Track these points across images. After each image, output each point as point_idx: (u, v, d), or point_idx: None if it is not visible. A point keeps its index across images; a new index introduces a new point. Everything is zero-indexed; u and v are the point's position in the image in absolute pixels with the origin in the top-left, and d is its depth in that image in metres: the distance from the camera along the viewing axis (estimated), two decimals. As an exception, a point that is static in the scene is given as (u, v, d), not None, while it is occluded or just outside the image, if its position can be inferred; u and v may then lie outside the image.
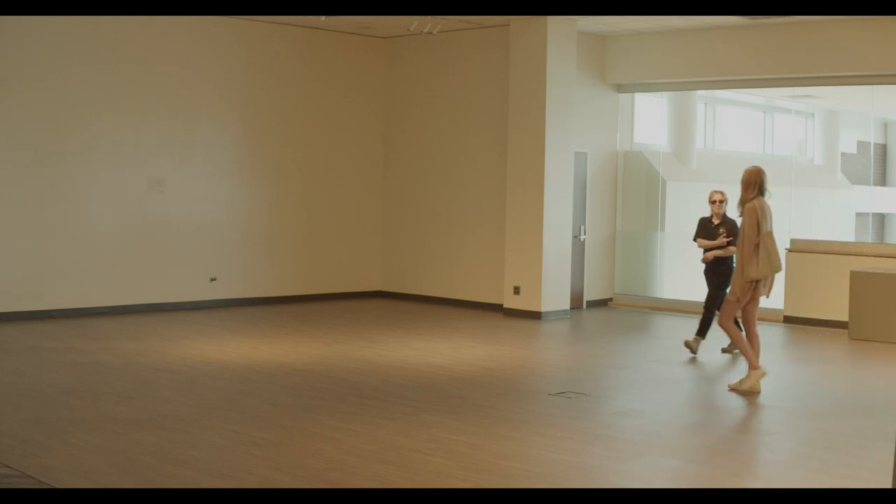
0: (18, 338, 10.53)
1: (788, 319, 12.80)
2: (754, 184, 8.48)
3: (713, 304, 10.43)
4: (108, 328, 11.33)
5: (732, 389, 8.49)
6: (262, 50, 13.65)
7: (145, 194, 12.69)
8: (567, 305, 13.24)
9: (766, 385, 9.17)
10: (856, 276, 11.66)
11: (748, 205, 8.47)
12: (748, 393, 8.36)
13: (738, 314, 8.86)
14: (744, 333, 8.84)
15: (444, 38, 13.81)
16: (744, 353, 8.71)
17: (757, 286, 8.50)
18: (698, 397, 8.45)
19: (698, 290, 14.13)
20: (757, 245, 8.38)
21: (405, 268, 14.80)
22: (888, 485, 5.77)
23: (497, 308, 13.55)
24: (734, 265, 8.85)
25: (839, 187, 16.32)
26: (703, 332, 10.45)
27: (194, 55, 13.03)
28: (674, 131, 15.36)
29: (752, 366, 8.53)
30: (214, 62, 13.22)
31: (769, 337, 11.95)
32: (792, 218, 13.76)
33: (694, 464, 6.30)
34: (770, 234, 8.46)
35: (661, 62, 13.86)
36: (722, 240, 10.43)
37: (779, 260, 8.50)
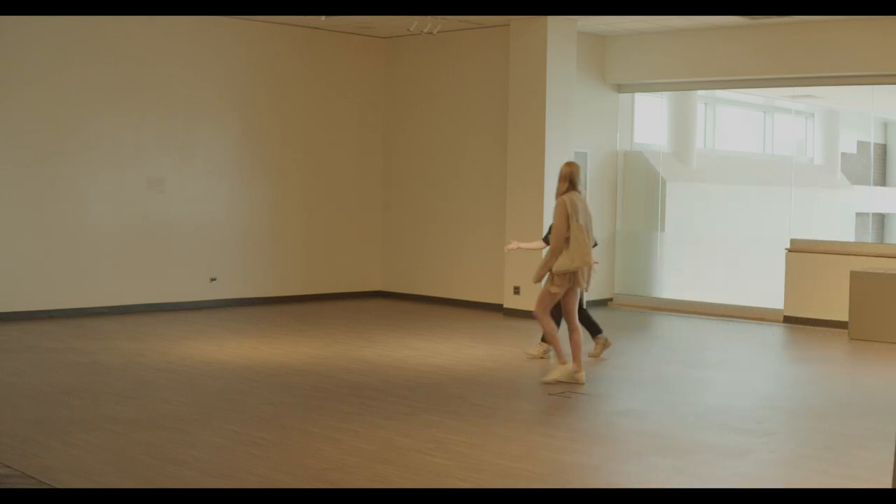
0: (18, 338, 10.53)
1: (788, 319, 12.80)
2: (566, 178, 8.64)
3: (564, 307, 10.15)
4: (108, 328, 11.33)
5: (547, 382, 8.66)
6: (262, 50, 13.65)
7: (145, 194, 12.69)
8: (567, 305, 13.22)
9: (766, 385, 9.18)
10: (856, 276, 11.66)
11: (559, 198, 8.65)
12: (558, 381, 8.59)
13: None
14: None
15: (444, 38, 13.81)
16: (554, 346, 8.90)
17: (574, 278, 8.67)
18: (698, 397, 8.45)
19: (698, 291, 14.21)
20: (567, 238, 8.54)
21: (405, 268, 14.80)
22: (888, 485, 5.77)
23: (497, 308, 13.55)
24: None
25: (839, 187, 16.32)
26: (595, 330, 10.18)
27: (194, 55, 13.03)
28: (674, 131, 15.36)
29: (561, 360, 8.74)
30: (214, 62, 13.22)
31: (769, 337, 11.97)
32: (792, 218, 13.77)
33: (693, 464, 6.30)
34: (580, 228, 8.57)
35: (661, 62, 13.85)
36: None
37: (589, 253, 8.65)
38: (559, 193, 8.69)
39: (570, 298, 8.88)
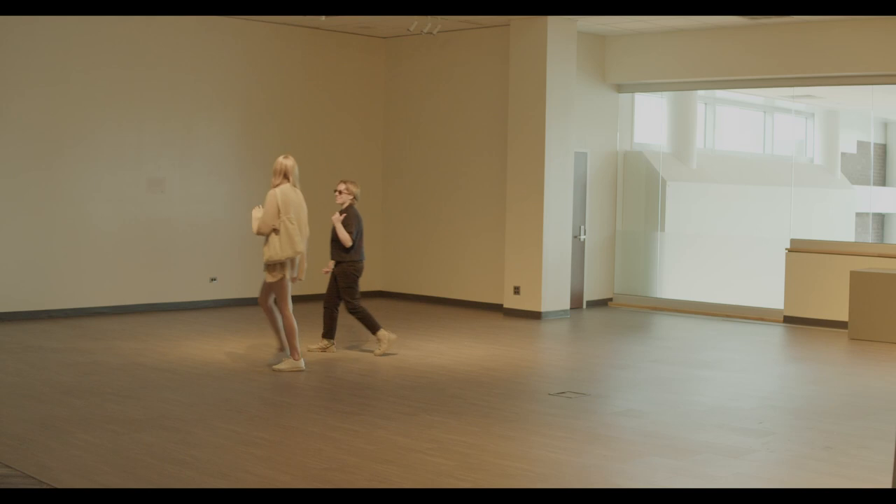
0: (18, 338, 10.52)
1: (788, 319, 12.80)
2: (279, 172, 8.95)
3: (331, 302, 10.14)
4: (108, 328, 11.33)
5: (276, 370, 8.95)
6: (262, 50, 13.65)
7: (145, 194, 12.69)
8: (567, 305, 13.25)
9: (766, 385, 9.18)
10: (856, 276, 11.66)
11: (269, 191, 8.92)
12: (287, 372, 8.93)
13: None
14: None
15: (444, 38, 13.82)
16: (276, 333, 9.15)
17: (284, 269, 8.93)
18: (698, 397, 8.45)
19: (698, 291, 14.22)
20: (277, 229, 8.80)
21: (406, 268, 14.81)
22: (888, 485, 5.78)
23: (497, 308, 13.55)
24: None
25: (839, 187, 16.32)
26: (330, 333, 10.15)
27: (194, 55, 13.03)
28: (674, 131, 15.36)
29: (281, 347, 9.13)
30: (214, 62, 13.22)
31: (769, 337, 11.97)
32: (792, 218, 13.77)
33: (693, 464, 6.30)
34: (291, 220, 8.83)
35: (661, 62, 13.86)
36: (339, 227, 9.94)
37: (299, 244, 8.89)
38: (273, 186, 8.96)
39: (284, 290, 9.14)
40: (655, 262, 14.69)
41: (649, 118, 15.21)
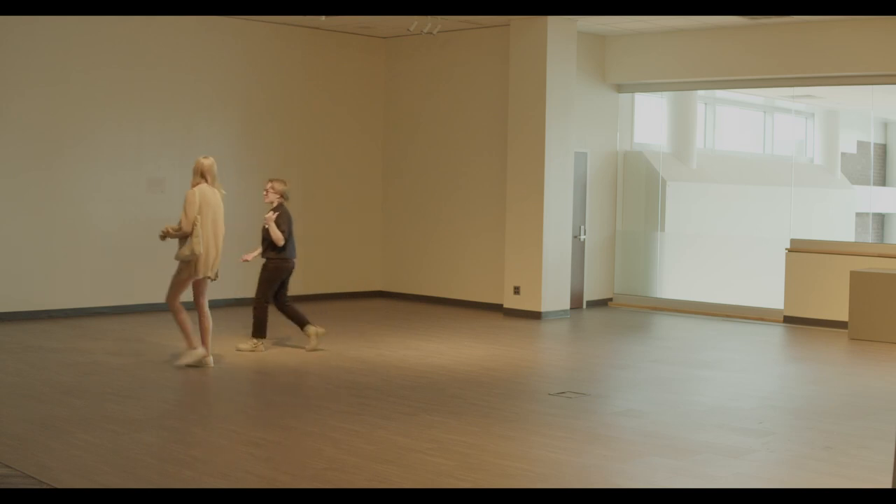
0: (18, 338, 10.52)
1: (788, 319, 12.80)
2: (198, 172, 9.10)
3: (276, 300, 10.24)
4: (108, 328, 11.33)
5: (181, 365, 9.01)
6: (262, 50, 13.65)
7: (145, 194, 12.69)
8: (567, 305, 13.25)
9: (766, 385, 9.17)
10: (856, 276, 11.66)
11: (188, 191, 9.06)
12: (189, 365, 9.00)
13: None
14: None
15: (444, 38, 13.82)
16: (184, 331, 9.15)
17: (196, 267, 9.03)
18: (698, 397, 8.45)
19: (698, 291, 14.21)
20: (193, 229, 8.95)
21: (405, 268, 14.80)
22: (888, 485, 5.77)
23: (497, 308, 13.55)
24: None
25: (839, 187, 16.33)
26: (301, 322, 10.20)
27: (194, 55, 13.03)
28: (674, 131, 15.36)
29: (191, 345, 9.08)
30: (214, 62, 13.22)
31: (769, 337, 11.97)
32: (792, 218, 13.77)
33: (693, 464, 6.30)
34: (198, 220, 8.95)
35: (661, 62, 13.86)
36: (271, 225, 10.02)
37: (198, 246, 8.99)
38: (192, 186, 9.09)
39: (197, 286, 9.25)
40: (655, 262, 14.69)
41: (649, 118, 15.21)
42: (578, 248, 13.96)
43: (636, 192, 14.76)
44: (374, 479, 5.84)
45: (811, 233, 13.53)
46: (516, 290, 13.14)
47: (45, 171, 11.88)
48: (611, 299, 14.60)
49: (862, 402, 8.27)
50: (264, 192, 10.16)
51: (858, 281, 11.61)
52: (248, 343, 10.05)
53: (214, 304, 13.23)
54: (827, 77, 12.84)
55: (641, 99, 14.95)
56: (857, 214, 16.11)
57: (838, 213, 16.18)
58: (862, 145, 16.72)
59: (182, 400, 7.84)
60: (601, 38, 14.13)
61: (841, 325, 12.14)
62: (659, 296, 14.43)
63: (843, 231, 15.71)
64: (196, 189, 8.99)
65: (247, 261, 10.40)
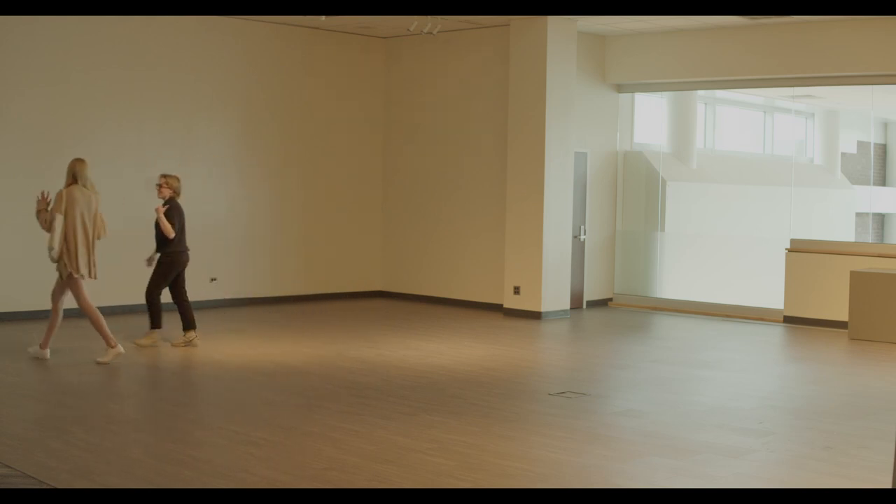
0: (18, 338, 10.52)
1: (788, 319, 12.80)
2: (69, 172, 9.30)
3: (175, 292, 10.38)
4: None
5: (100, 363, 9.21)
6: (262, 50, 13.65)
7: (145, 194, 12.67)
8: (567, 305, 13.25)
9: (766, 385, 9.17)
10: (856, 276, 11.66)
11: (59, 192, 9.22)
12: (107, 362, 9.22)
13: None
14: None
15: (444, 38, 13.82)
16: (49, 329, 9.40)
17: (66, 266, 9.22)
18: (698, 397, 8.45)
19: (698, 291, 14.21)
20: (54, 228, 9.13)
21: (405, 268, 14.80)
22: (888, 485, 5.77)
23: (497, 308, 13.55)
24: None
25: (839, 187, 16.32)
26: (156, 322, 10.30)
27: (194, 55, 13.03)
28: (674, 131, 15.36)
29: (44, 344, 9.39)
30: (214, 62, 13.22)
31: (769, 337, 11.97)
32: (792, 218, 13.77)
33: (693, 464, 6.30)
34: (75, 219, 9.17)
35: (661, 62, 13.85)
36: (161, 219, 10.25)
37: (84, 244, 9.23)
38: (65, 186, 9.28)
39: (59, 283, 9.43)
40: (655, 262, 14.69)
41: (649, 118, 15.21)
42: (578, 248, 13.96)
43: (636, 192, 14.76)
44: (374, 479, 5.84)
45: (811, 233, 13.53)
46: (516, 290, 13.14)
47: (45, 171, 11.87)
48: (611, 299, 14.60)
49: (862, 402, 8.27)
50: (157, 187, 10.43)
51: (858, 281, 11.61)
52: (146, 338, 10.20)
53: (213, 305, 13.25)
54: (827, 77, 12.84)
55: (641, 99, 14.95)
56: (857, 214, 16.11)
57: (838, 213, 16.18)
58: (862, 145, 16.72)
59: (181, 400, 7.84)
60: (601, 38, 14.13)
61: (841, 325, 12.13)
62: (659, 296, 14.43)
63: (843, 231, 15.71)
64: (66, 190, 9.19)
65: (151, 262, 10.48)
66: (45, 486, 5.54)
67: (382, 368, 9.29)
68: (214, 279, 13.30)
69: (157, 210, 10.26)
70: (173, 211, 10.28)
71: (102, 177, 12.34)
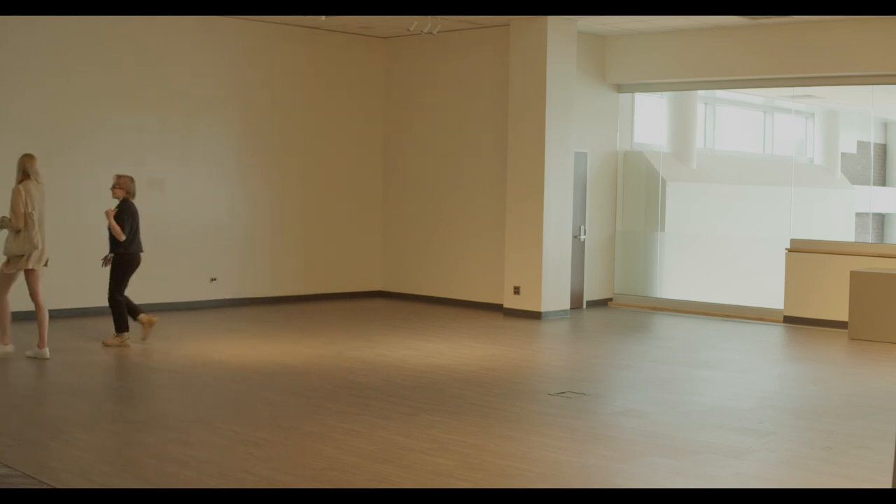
0: (19, 338, 10.51)
1: (788, 319, 12.80)
2: (20, 168, 9.41)
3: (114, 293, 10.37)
4: (108, 328, 11.32)
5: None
6: (262, 50, 13.65)
7: (145, 194, 12.67)
8: (567, 305, 13.25)
9: (766, 385, 9.17)
10: (856, 276, 11.66)
11: (14, 187, 9.34)
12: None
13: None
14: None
15: (444, 38, 13.82)
16: (40, 326, 9.51)
17: (28, 259, 9.36)
18: (698, 397, 8.45)
19: (698, 291, 14.21)
20: (25, 224, 9.29)
21: (405, 268, 14.80)
22: (888, 485, 5.77)
23: (497, 308, 13.55)
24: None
25: (839, 187, 16.32)
26: (124, 326, 10.31)
27: (194, 55, 13.03)
28: (674, 131, 15.36)
29: (4, 340, 9.45)
30: (214, 62, 13.22)
31: (769, 337, 11.97)
32: (792, 218, 13.77)
33: (693, 464, 6.30)
34: (31, 216, 9.30)
35: (661, 62, 13.85)
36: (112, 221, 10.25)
37: (38, 240, 9.35)
38: (17, 182, 9.38)
39: (32, 279, 9.51)
40: (655, 262, 14.69)
41: (649, 118, 15.20)
42: (578, 248, 13.96)
43: (636, 192, 14.76)
44: (374, 479, 5.84)
45: (811, 233, 13.53)
46: (516, 290, 13.14)
47: (45, 170, 11.84)
48: (611, 299, 14.60)
49: (862, 402, 8.27)
50: (112, 189, 10.41)
51: (858, 281, 11.61)
52: (114, 339, 10.21)
53: (213, 305, 13.25)
54: (827, 77, 12.83)
55: (641, 99, 14.95)
56: (857, 214, 16.11)
57: (838, 213, 16.18)
58: (862, 145, 16.72)
59: (182, 400, 7.84)
60: (601, 38, 14.13)
61: (841, 325, 12.13)
62: (659, 296, 14.43)
63: (843, 231, 15.71)
64: (21, 186, 9.29)
65: (107, 261, 10.45)
66: (45, 486, 5.54)
67: (382, 368, 9.30)
68: (214, 279, 13.30)
69: (106, 213, 10.23)
70: (126, 212, 10.24)
71: (102, 177, 12.36)
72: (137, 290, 12.62)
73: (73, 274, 12.13)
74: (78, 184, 12.12)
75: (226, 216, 13.43)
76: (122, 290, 10.30)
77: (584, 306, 14.13)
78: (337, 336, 11.12)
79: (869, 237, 15.87)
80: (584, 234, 14.06)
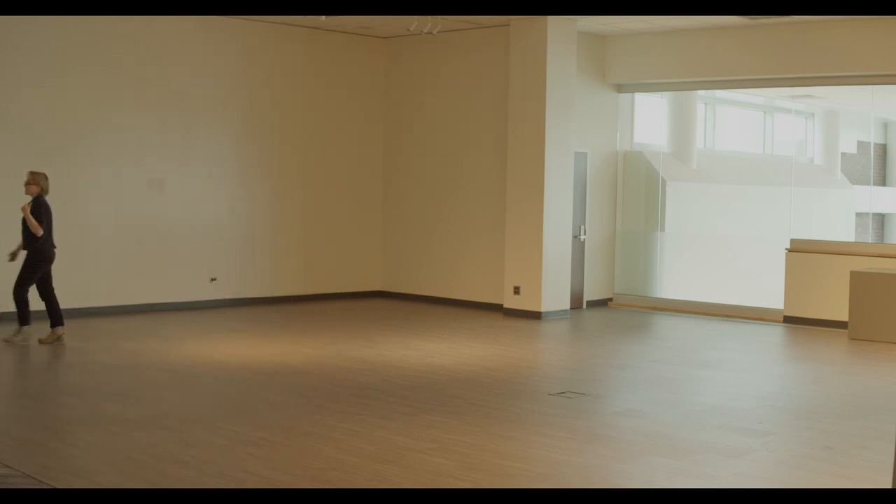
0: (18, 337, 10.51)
1: (788, 319, 12.80)
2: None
3: (42, 288, 10.35)
4: (108, 328, 11.33)
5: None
6: (262, 50, 13.65)
7: (145, 194, 12.69)
8: (567, 305, 13.25)
9: (766, 385, 9.17)
10: (856, 276, 11.66)
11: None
12: None
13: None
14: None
15: (444, 38, 13.82)
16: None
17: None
18: (698, 397, 8.45)
19: (698, 291, 14.21)
20: None
21: (405, 268, 14.81)
22: (888, 485, 5.78)
23: (497, 308, 13.55)
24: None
25: (839, 187, 16.32)
26: (22, 320, 10.26)
27: (194, 55, 13.03)
28: (674, 131, 15.36)
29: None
30: (214, 62, 13.22)
31: (769, 337, 11.97)
32: (792, 218, 13.77)
33: (693, 464, 6.30)
34: None
35: (661, 62, 13.86)
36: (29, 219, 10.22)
37: None
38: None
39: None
40: (655, 262, 14.69)
41: (649, 118, 15.20)
42: (578, 248, 13.96)
43: (636, 192, 14.76)
44: (374, 479, 5.84)
45: (811, 233, 13.53)
46: (516, 290, 13.14)
47: (45, 170, 11.86)
48: (611, 299, 14.60)
49: (862, 402, 8.27)
50: (25, 185, 10.36)
51: (858, 281, 11.61)
52: (13, 334, 10.19)
53: (213, 305, 13.25)
54: (827, 77, 12.84)
55: (641, 99, 14.95)
56: (857, 214, 16.10)
57: (838, 213, 16.18)
58: (862, 145, 16.72)
59: (182, 400, 7.84)
60: (601, 38, 14.13)
61: (841, 325, 12.13)
62: (659, 296, 14.43)
63: (843, 231, 15.71)
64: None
65: (13, 255, 10.40)
66: (45, 486, 5.54)
67: (382, 368, 9.29)
68: (214, 279, 13.30)
69: (23, 209, 10.20)
70: (40, 208, 10.23)
71: (103, 177, 12.36)
72: (138, 289, 12.65)
73: (73, 274, 12.12)
74: (78, 184, 12.12)
75: (226, 216, 13.43)
76: (29, 286, 10.21)
77: (584, 306, 14.13)
78: (337, 336, 11.12)
79: (869, 237, 15.87)
80: (584, 234, 14.06)
